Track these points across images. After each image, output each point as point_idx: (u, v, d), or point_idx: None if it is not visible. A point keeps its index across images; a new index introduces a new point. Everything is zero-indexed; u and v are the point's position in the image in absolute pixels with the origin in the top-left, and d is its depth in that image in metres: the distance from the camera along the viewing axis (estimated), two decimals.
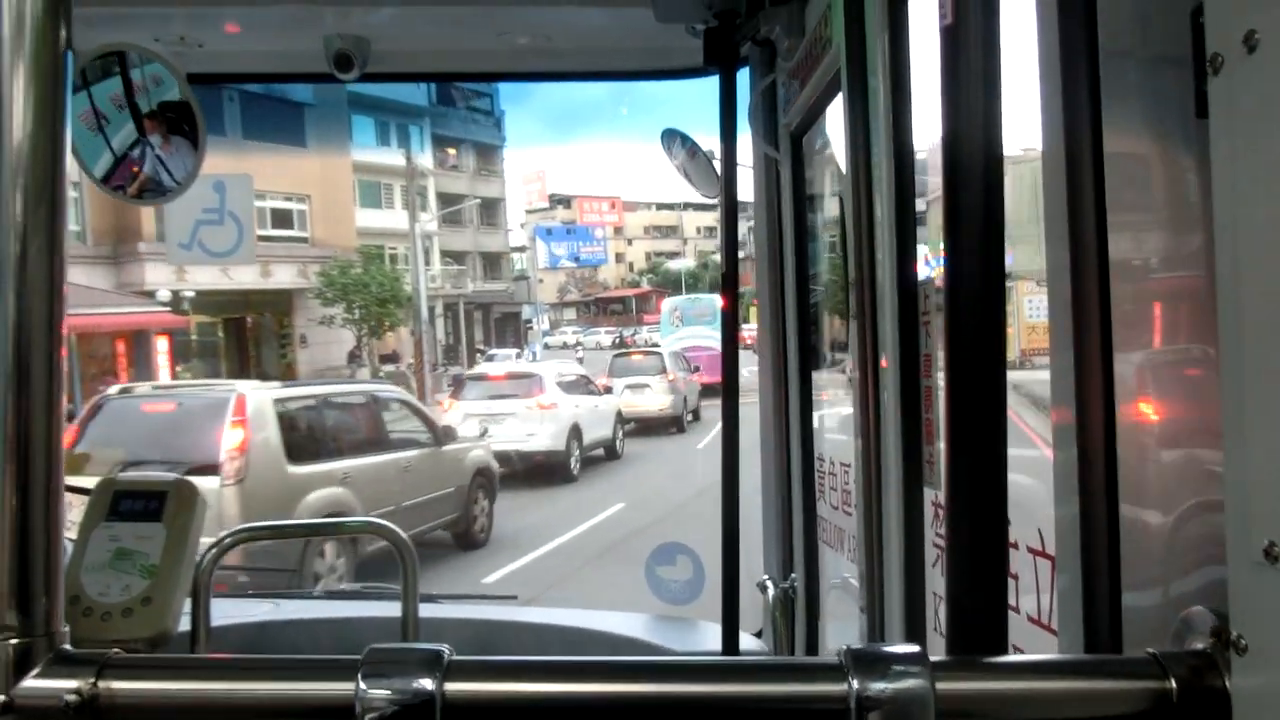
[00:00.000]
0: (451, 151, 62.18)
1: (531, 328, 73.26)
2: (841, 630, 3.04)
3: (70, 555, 2.05)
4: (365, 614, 3.64)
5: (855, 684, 1.00)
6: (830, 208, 3.19)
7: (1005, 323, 1.15)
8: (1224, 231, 0.91)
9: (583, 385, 25.51)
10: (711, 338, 42.42)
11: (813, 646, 3.28)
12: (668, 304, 51.37)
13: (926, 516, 2.15)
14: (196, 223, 3.86)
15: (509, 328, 71.39)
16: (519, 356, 53.98)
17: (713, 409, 31.99)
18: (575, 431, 22.78)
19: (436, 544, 14.74)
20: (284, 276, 41.39)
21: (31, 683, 1.07)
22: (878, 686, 1.00)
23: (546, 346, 67.84)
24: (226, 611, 3.33)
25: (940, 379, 2.04)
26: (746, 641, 3.41)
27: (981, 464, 1.13)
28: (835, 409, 3.17)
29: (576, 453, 22.73)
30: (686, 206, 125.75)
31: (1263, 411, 0.88)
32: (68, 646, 1.11)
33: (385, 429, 14.93)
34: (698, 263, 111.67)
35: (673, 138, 3.75)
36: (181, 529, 2.12)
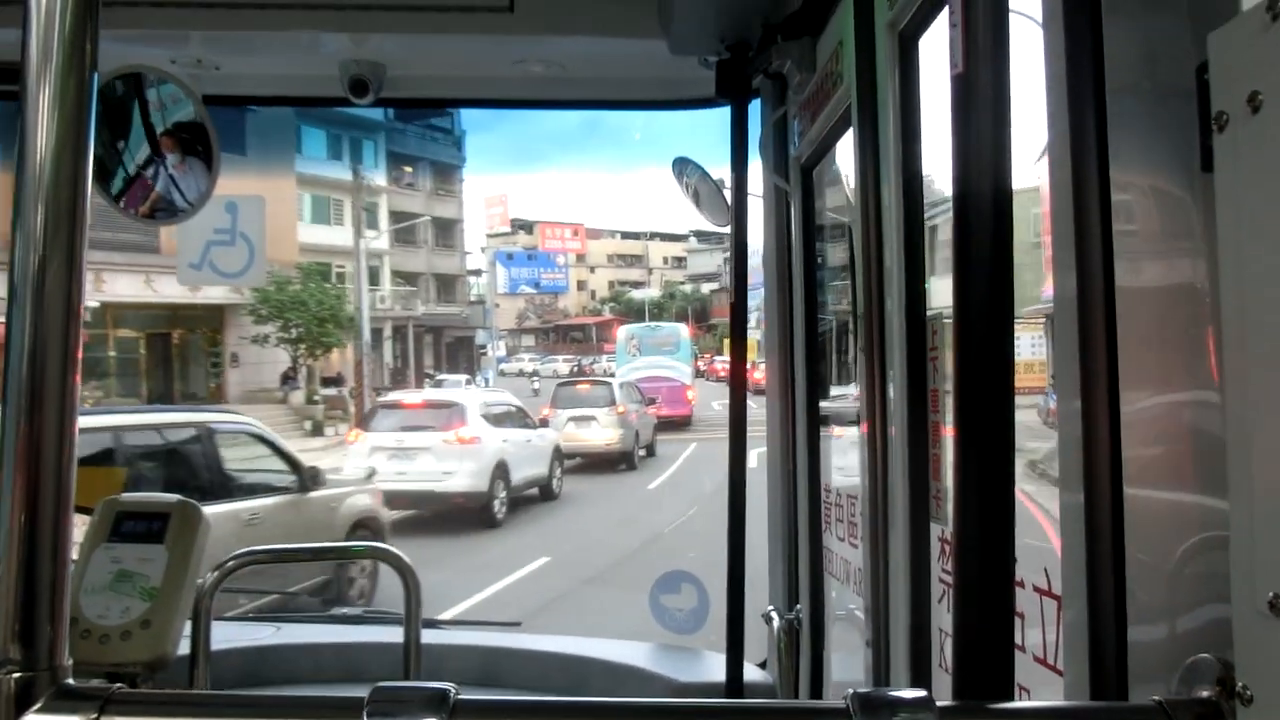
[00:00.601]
0: (408, 169, 60.30)
1: (485, 353, 71.42)
2: (846, 663, 3.03)
3: (70, 576, 2.04)
4: (368, 639, 3.62)
5: None
6: (840, 240, 3.19)
7: (1013, 362, 1.15)
8: (1229, 286, 0.92)
9: (517, 417, 22.92)
10: (673, 368, 42.42)
11: (817, 679, 3.26)
12: (624, 332, 48.90)
13: (933, 552, 2.14)
14: (208, 243, 3.87)
15: (462, 353, 69.96)
16: (469, 383, 52.15)
17: (669, 444, 32.30)
18: (501, 469, 20.07)
19: None
20: (215, 290, 38.50)
21: (34, 718, 1.06)
22: None
23: (502, 373, 65.87)
24: (227, 635, 3.32)
25: (948, 415, 2.04)
26: (750, 672, 3.39)
27: (991, 509, 1.13)
28: (843, 440, 3.17)
29: (502, 494, 19.95)
30: (652, 236, 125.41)
31: (1268, 463, 0.88)
32: (71, 681, 1.11)
33: (223, 471, 11.49)
34: (663, 292, 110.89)
35: (684, 166, 3.76)
36: (183, 551, 2.10)
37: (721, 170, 3.44)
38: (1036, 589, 1.64)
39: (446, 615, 14.18)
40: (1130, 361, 1.19)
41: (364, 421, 22.53)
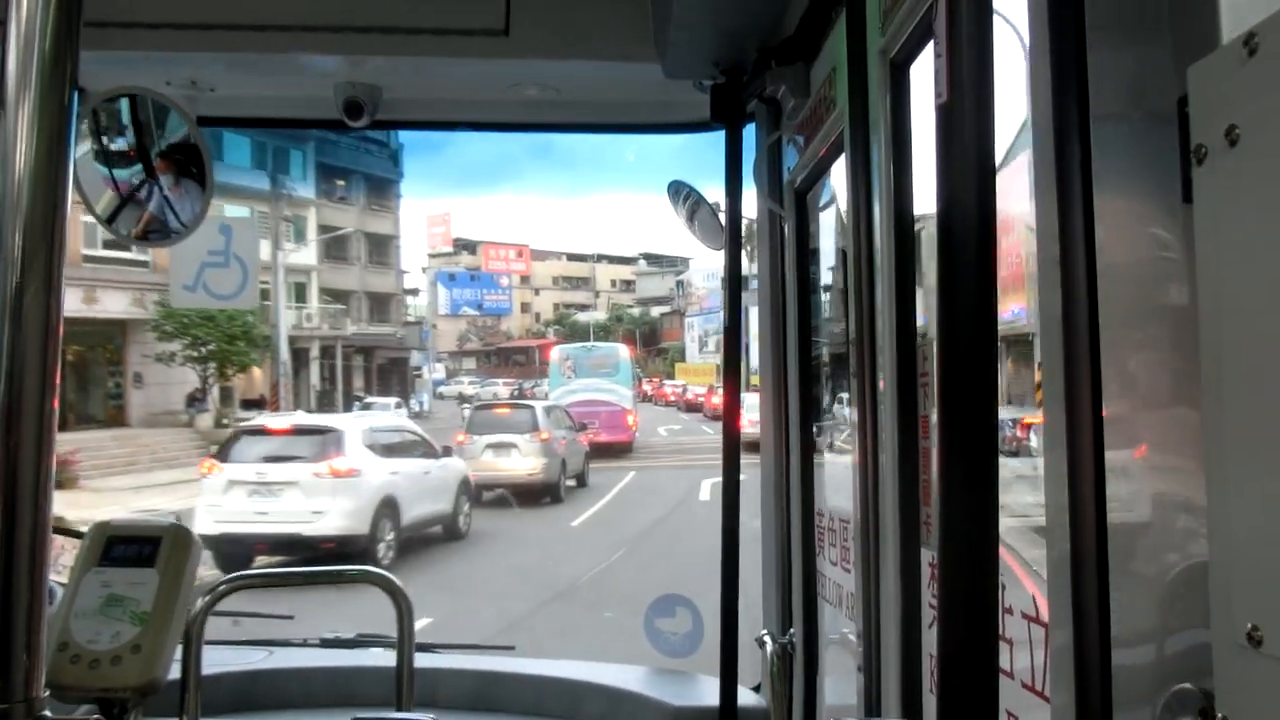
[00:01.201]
0: (340, 182, 56.90)
1: (421, 375, 69.46)
2: (839, 686, 3.02)
3: (60, 601, 2.03)
4: (360, 663, 3.61)
5: None
6: (832, 263, 3.20)
7: (997, 387, 1.15)
8: (1208, 317, 0.92)
9: (414, 446, 20.13)
10: (612, 391, 40.06)
11: (811, 703, 3.26)
12: (557, 353, 46.07)
13: (924, 577, 2.14)
14: (202, 265, 3.87)
15: (395, 375, 66.96)
16: (399, 406, 50.27)
17: (605, 473, 30.46)
18: (389, 507, 17.39)
19: None
20: (115, 305, 36.39)
21: None
22: None
23: (440, 396, 63.62)
24: (219, 660, 3.30)
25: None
26: (744, 696, 3.38)
27: (973, 529, 1.13)
28: (835, 464, 3.17)
29: (389, 536, 17.27)
30: (600, 258, 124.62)
31: (1245, 496, 0.88)
32: (47, 713, 1.09)
33: None
34: (610, 315, 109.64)
35: (678, 189, 3.77)
36: (175, 575, 2.09)
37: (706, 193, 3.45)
38: (1024, 615, 1.64)
39: None
40: (1114, 390, 1.19)
41: (223, 451, 18.70)
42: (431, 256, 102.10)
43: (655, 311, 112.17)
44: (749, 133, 3.41)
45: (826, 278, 3.34)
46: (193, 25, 2.99)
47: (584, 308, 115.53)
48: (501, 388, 69.72)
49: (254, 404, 41.08)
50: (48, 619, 1.15)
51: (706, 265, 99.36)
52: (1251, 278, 0.87)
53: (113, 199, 3.13)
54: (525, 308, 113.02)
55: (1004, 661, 1.69)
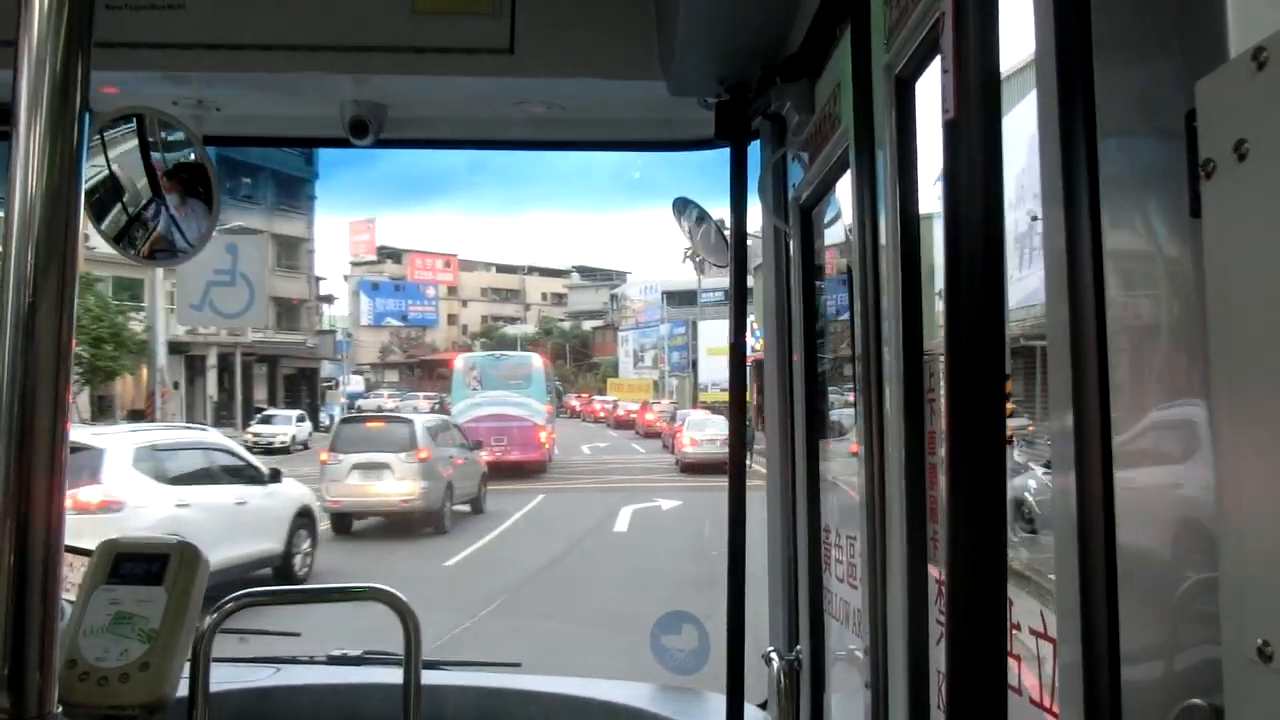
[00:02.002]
0: (245, 180, 52.16)
1: (332, 387, 66.04)
2: (846, 704, 3.01)
3: (69, 618, 2.04)
4: (368, 680, 3.61)
5: None
6: (838, 281, 3.21)
7: (1005, 404, 1.15)
8: (1218, 334, 0.92)
9: (231, 471, 16.27)
10: (522, 405, 36.78)
11: (817, 719, 3.25)
12: (462, 362, 41.39)
13: (931, 593, 2.13)
14: (208, 284, 3.89)
15: (304, 386, 62.57)
16: (303, 420, 47.61)
17: (509, 496, 27.27)
18: None
19: None
20: None
21: None
22: None
23: (360, 409, 55.59)
24: (227, 677, 3.30)
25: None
26: (751, 714, 3.38)
27: (981, 549, 1.13)
28: (842, 481, 3.16)
29: None
30: (531, 270, 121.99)
31: (1256, 510, 0.88)
32: None
33: None
34: (539, 328, 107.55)
35: (683, 206, 3.78)
36: (183, 593, 2.10)
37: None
38: (1033, 632, 1.64)
39: None
40: (1122, 404, 1.19)
41: None
42: (354, 264, 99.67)
43: (587, 325, 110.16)
44: (754, 150, 3.41)
45: (832, 294, 3.34)
46: (199, 45, 3.01)
47: (513, 320, 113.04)
48: (422, 401, 65.88)
49: (138, 414, 37.21)
50: (58, 639, 1.16)
51: (644, 278, 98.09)
52: (1260, 291, 0.87)
53: (120, 218, 3.15)
54: (452, 319, 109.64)
55: (1012, 677, 1.68)
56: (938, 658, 2.11)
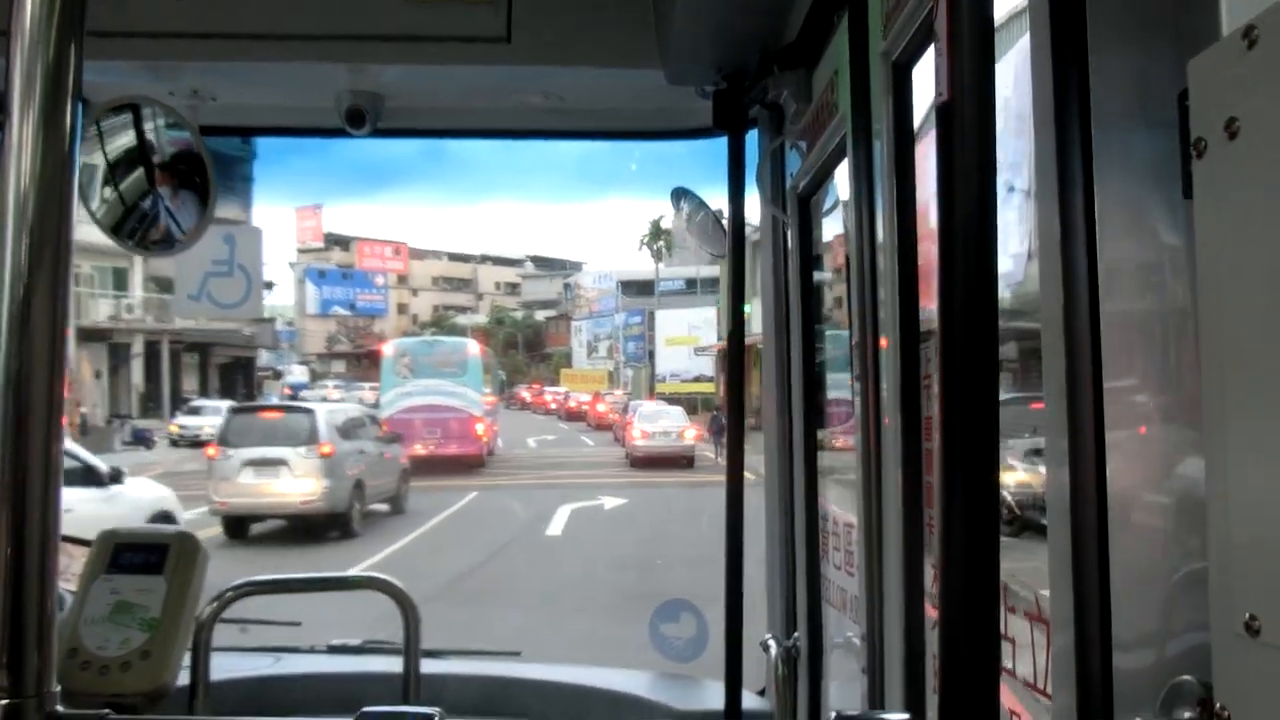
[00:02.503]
0: None
1: (270, 377, 63.65)
2: (844, 690, 3.02)
3: (70, 608, 2.04)
4: (367, 669, 3.62)
5: None
6: (836, 268, 3.21)
7: (998, 388, 1.15)
8: (1208, 313, 0.93)
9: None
10: (457, 395, 34.51)
11: (815, 706, 3.26)
12: (392, 348, 38.65)
13: (927, 579, 2.14)
14: (205, 274, 3.88)
15: (239, 376, 59.89)
16: None
17: (435, 495, 24.51)
18: None
19: None
20: None
21: None
22: None
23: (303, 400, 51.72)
24: (226, 666, 3.31)
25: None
26: (749, 700, 3.39)
27: (974, 530, 1.13)
28: (840, 468, 3.17)
29: None
30: (484, 259, 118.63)
31: (1245, 487, 0.89)
32: (60, 708, 1.11)
33: None
34: (491, 318, 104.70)
35: (680, 196, 3.78)
36: (183, 582, 2.11)
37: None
38: (1027, 615, 1.64)
39: None
40: (1115, 389, 1.19)
41: None
42: (300, 252, 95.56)
43: (541, 315, 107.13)
44: (752, 139, 3.41)
45: (829, 283, 3.35)
46: (195, 34, 3.00)
47: (466, 310, 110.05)
48: (368, 392, 62.35)
49: None
50: (58, 626, 1.16)
51: (599, 267, 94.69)
52: (1251, 268, 0.87)
53: (116, 208, 3.14)
54: (402, 309, 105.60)
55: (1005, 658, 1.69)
56: (934, 643, 2.12)
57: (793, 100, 2.98)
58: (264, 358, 63.61)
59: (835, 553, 3.05)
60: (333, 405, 28.36)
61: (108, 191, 3.10)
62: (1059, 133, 1.25)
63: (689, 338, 66.04)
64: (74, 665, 1.96)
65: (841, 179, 2.74)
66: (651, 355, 72.00)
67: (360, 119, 3.34)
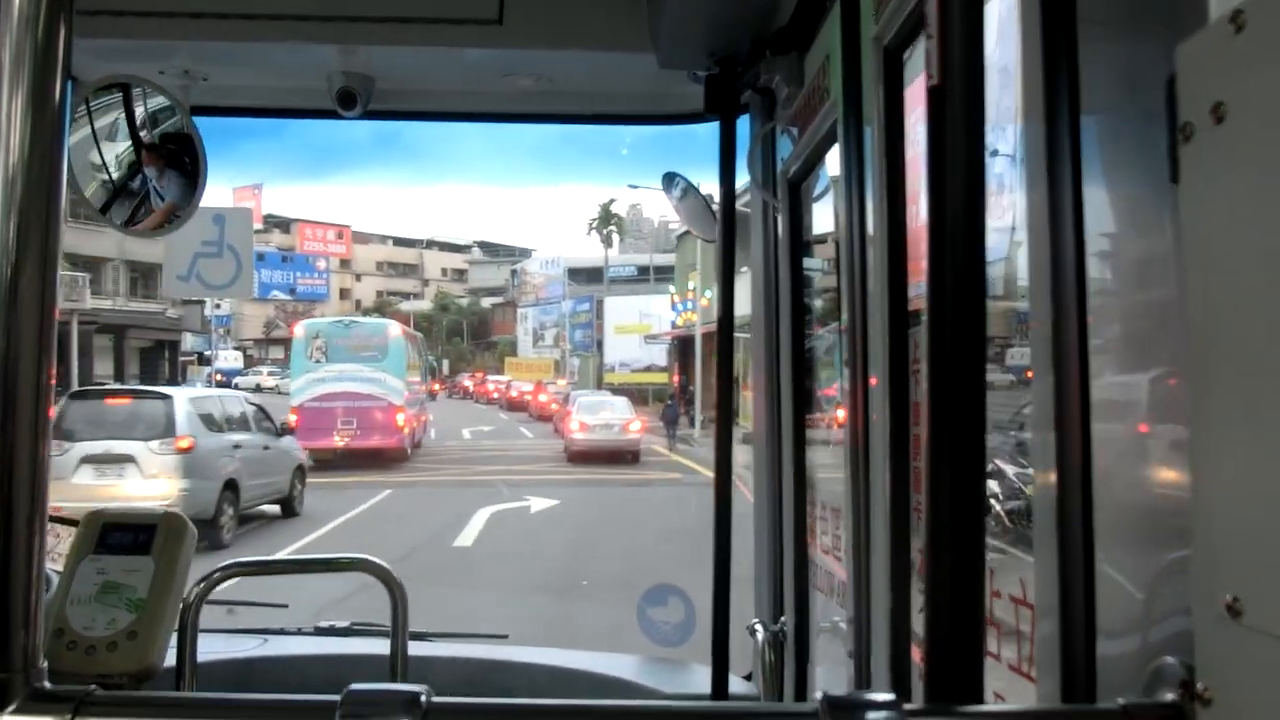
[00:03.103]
0: None
1: (194, 362, 60.40)
2: (830, 674, 3.03)
3: (56, 588, 2.04)
4: (354, 651, 3.62)
5: None
6: (826, 253, 3.21)
7: (984, 372, 1.16)
8: (1195, 297, 0.93)
9: None
10: (376, 381, 31.83)
11: (801, 690, 3.27)
12: (303, 329, 34.56)
13: (914, 563, 2.15)
14: (195, 255, 3.88)
15: (162, 360, 55.95)
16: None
17: (334, 494, 22.31)
18: None
19: None
20: None
21: (7, 719, 1.07)
22: None
23: (235, 388, 46.80)
24: (213, 647, 3.31)
25: None
26: (735, 684, 3.40)
27: (960, 512, 1.13)
28: (828, 453, 3.17)
29: None
30: (430, 244, 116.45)
31: (1228, 469, 0.89)
32: (46, 683, 1.11)
33: None
34: (435, 304, 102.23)
35: (672, 179, 3.78)
36: (170, 563, 2.10)
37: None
38: (1013, 599, 1.65)
39: None
40: (1103, 374, 1.20)
41: None
42: None
43: (487, 302, 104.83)
44: (743, 124, 3.41)
45: (819, 267, 3.35)
46: (185, 14, 2.99)
47: (410, 296, 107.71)
48: (266, 377, 61.35)
49: None
50: (45, 606, 1.16)
51: (547, 253, 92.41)
52: (1238, 252, 0.87)
53: (106, 188, 3.13)
54: (345, 294, 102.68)
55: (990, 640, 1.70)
56: (920, 626, 2.13)
57: (784, 85, 2.98)
58: (190, 341, 60.40)
59: (823, 536, 3.06)
60: (207, 392, 24.56)
61: (97, 171, 3.09)
62: (1047, 118, 1.26)
63: (640, 325, 64.42)
64: (60, 645, 1.95)
65: (832, 164, 2.74)
66: (600, 344, 70.34)
67: (351, 100, 3.34)
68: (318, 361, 32.10)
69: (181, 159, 3.09)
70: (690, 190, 3.69)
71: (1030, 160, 1.30)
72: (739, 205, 3.24)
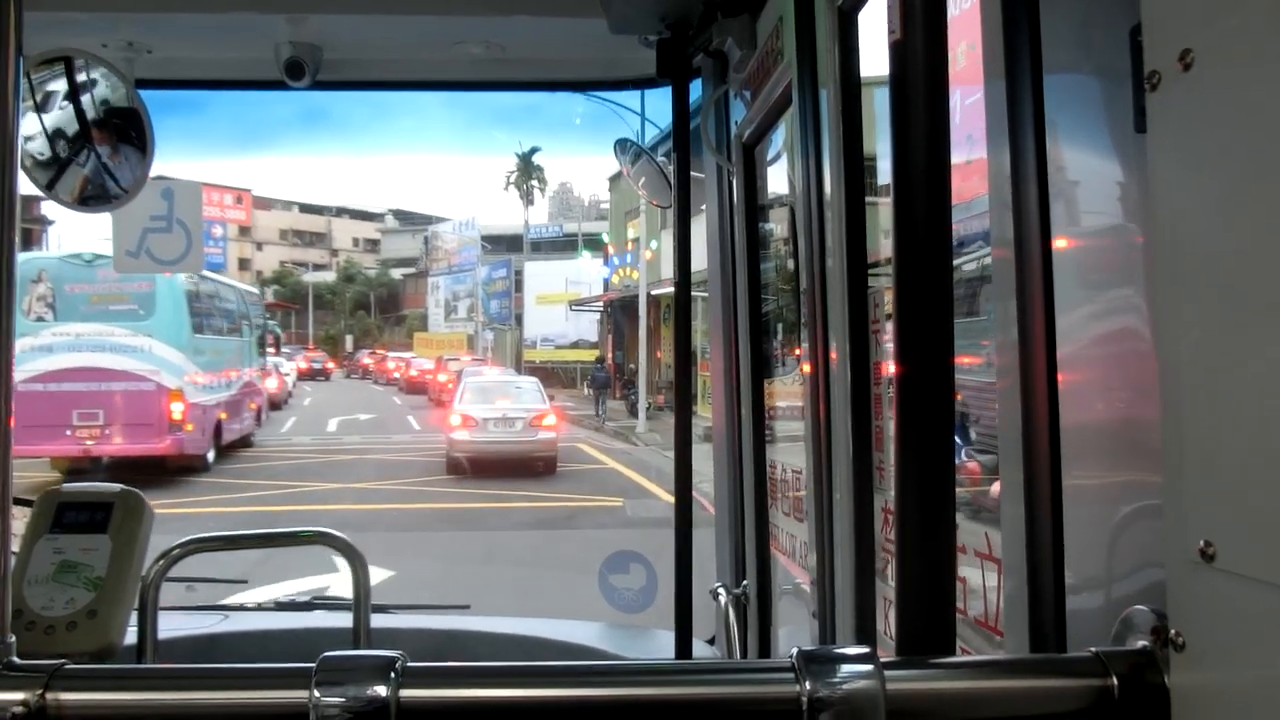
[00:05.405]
0: None
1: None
2: (793, 635, 3.06)
3: (13, 568, 2.02)
4: (317, 625, 3.61)
5: (807, 685, 1.01)
6: (782, 217, 3.21)
7: (952, 328, 1.16)
8: (1161, 245, 0.94)
9: None
10: (135, 352, 21.12)
11: (765, 652, 3.29)
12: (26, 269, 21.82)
13: (877, 522, 2.16)
14: (144, 230, 3.82)
15: None
16: None
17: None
18: None
19: None
20: None
21: None
22: (828, 687, 1.01)
23: None
24: (174, 624, 3.29)
25: (890, 387, 2.07)
26: (699, 648, 3.42)
27: (930, 469, 1.14)
28: (787, 416, 3.19)
29: None
30: (340, 213, 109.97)
31: (1198, 416, 0.90)
32: (15, 658, 1.09)
33: None
34: (340, 275, 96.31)
35: (625, 146, 3.77)
36: (127, 540, 2.09)
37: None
38: (979, 554, 1.67)
39: None
40: (1067, 327, 1.21)
41: None
42: None
43: (398, 273, 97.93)
44: (696, 88, 3.40)
45: (776, 230, 3.35)
46: None
47: (320, 267, 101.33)
48: None
49: None
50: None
51: (463, 215, 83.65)
52: (1205, 198, 0.88)
53: (50, 164, 3.07)
54: (244, 264, 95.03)
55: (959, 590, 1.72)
56: (885, 585, 2.15)
57: (737, 48, 2.96)
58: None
59: (784, 499, 3.07)
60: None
61: (40, 146, 3.03)
62: (1008, 71, 1.26)
63: (566, 294, 55.68)
64: (19, 626, 1.93)
65: (788, 127, 2.74)
66: (519, 317, 62.71)
67: (299, 71, 3.30)
68: (40, 319, 21.07)
69: (129, 133, 3.04)
70: (643, 155, 3.68)
71: (991, 110, 1.30)
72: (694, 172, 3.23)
